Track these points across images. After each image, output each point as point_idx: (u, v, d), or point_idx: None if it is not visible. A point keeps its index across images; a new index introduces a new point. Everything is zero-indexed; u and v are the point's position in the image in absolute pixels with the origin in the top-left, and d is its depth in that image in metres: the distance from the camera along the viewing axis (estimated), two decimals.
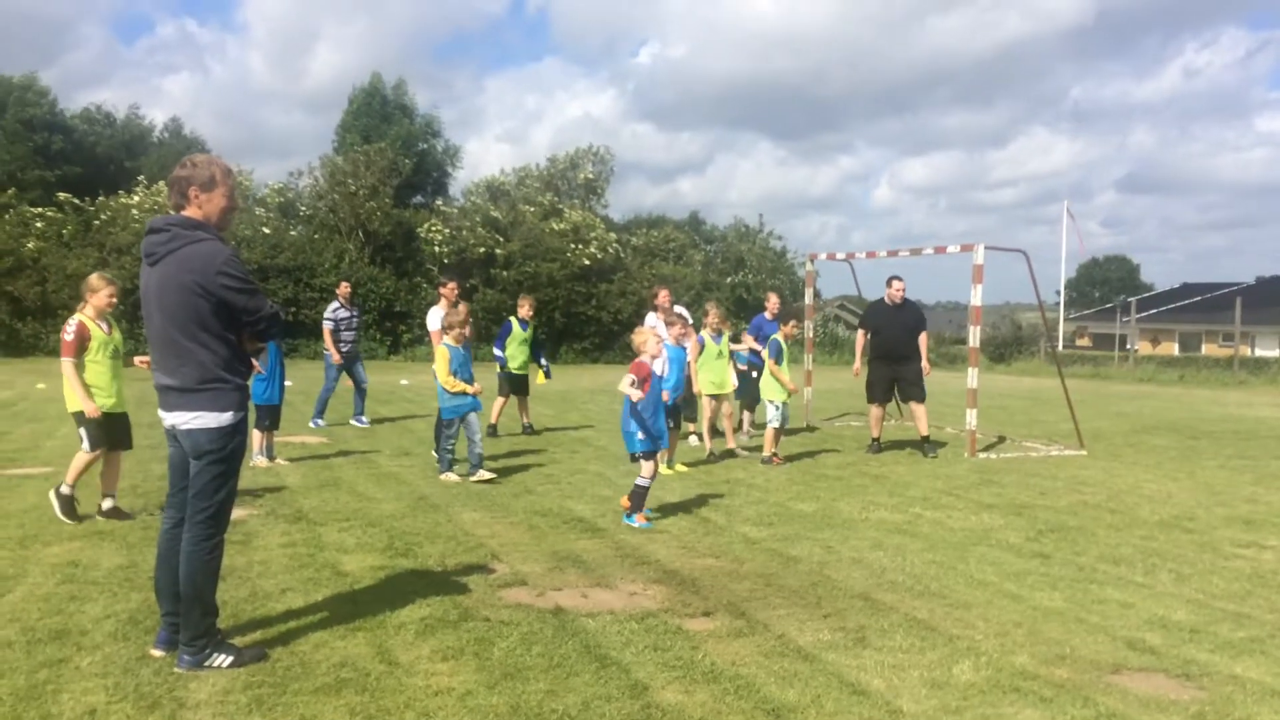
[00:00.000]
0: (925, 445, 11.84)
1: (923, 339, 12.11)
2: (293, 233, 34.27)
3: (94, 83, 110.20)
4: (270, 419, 10.12)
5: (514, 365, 12.81)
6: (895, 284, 12.14)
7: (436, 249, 33.45)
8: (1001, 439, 13.50)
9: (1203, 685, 4.43)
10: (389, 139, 36.63)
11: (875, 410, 12.26)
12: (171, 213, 4.49)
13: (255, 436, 9.87)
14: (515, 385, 12.87)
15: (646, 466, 7.67)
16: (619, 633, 4.94)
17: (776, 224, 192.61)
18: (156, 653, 4.49)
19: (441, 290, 11.26)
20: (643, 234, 40.53)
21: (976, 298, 11.91)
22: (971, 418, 11.89)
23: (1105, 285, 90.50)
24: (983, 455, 11.82)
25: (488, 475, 9.14)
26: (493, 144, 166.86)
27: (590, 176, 39.72)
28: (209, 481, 4.44)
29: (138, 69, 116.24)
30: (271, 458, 10.08)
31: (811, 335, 15.82)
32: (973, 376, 12.08)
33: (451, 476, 9.27)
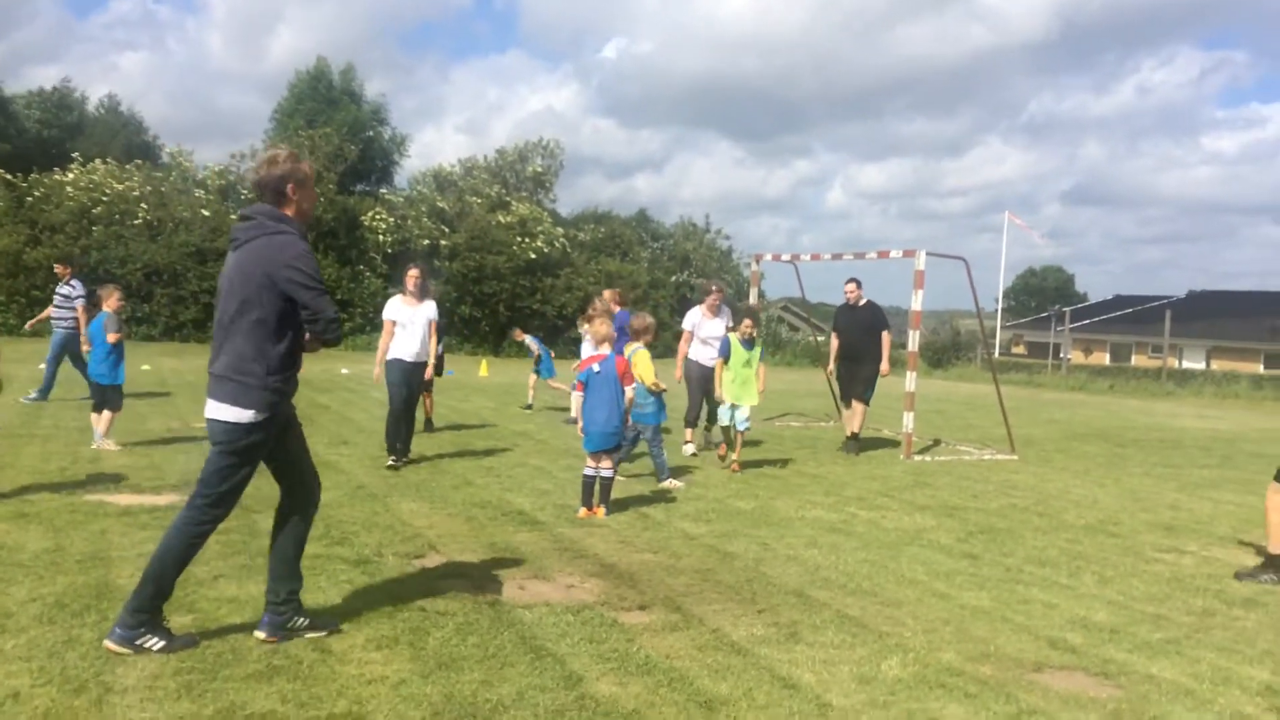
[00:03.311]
0: (849, 442, 12.10)
1: (885, 339, 12.21)
2: (233, 216, 33.66)
3: (45, 59, 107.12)
4: (108, 401, 9.82)
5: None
6: (848, 286, 12.44)
7: (380, 238, 33.12)
8: (937, 442, 13.73)
9: (1120, 684, 4.57)
10: (335, 124, 36.15)
11: (847, 410, 12.46)
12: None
13: (107, 417, 9.75)
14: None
15: (610, 460, 7.84)
16: (555, 624, 4.97)
17: (728, 224, 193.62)
18: (260, 635, 4.51)
19: (405, 279, 10.32)
20: (590, 230, 40.50)
21: (917, 303, 12.10)
22: (909, 421, 12.09)
23: (1041, 295, 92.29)
24: (918, 458, 12.02)
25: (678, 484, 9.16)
26: (451, 134, 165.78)
27: (539, 170, 39.56)
28: (216, 470, 4.46)
29: (92, 44, 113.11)
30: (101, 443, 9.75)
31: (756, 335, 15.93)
32: (911, 380, 12.28)
33: (677, 484, 9.10)
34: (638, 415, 9.13)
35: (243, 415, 4.35)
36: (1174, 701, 4.37)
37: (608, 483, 7.84)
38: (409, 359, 9.60)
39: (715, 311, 11.54)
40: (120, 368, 10.01)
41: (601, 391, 7.77)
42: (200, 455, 4.77)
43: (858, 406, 12.13)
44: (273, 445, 4.59)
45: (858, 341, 12.20)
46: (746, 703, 4.11)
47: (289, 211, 4.46)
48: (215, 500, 4.48)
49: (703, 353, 11.29)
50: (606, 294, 12.62)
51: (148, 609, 4.33)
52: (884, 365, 12.14)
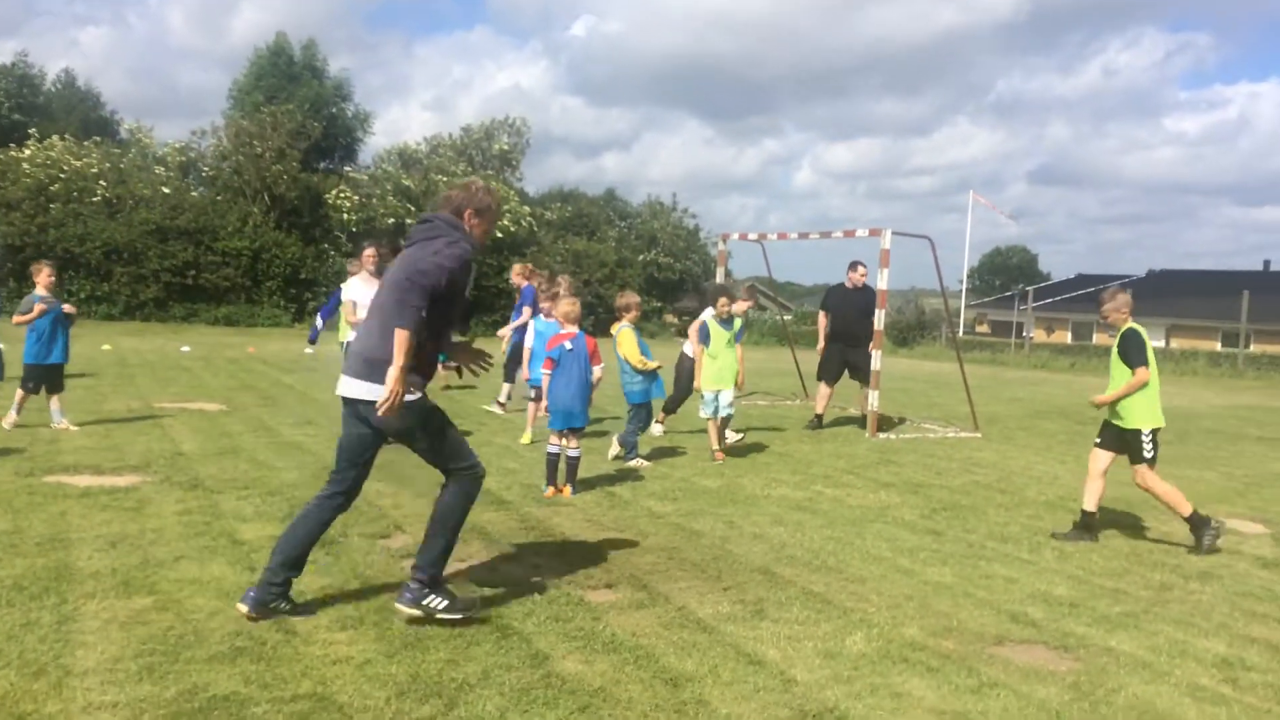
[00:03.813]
0: (815, 420, 12.29)
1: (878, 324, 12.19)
2: (194, 194, 33.25)
3: (3, 33, 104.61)
4: (44, 381, 9.57)
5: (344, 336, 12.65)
6: (859, 269, 12.43)
7: (345, 216, 32.82)
8: (901, 420, 13.84)
9: (1079, 657, 4.64)
10: (297, 101, 35.66)
11: (824, 389, 12.52)
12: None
13: (18, 396, 9.51)
14: None
15: (575, 439, 7.84)
16: (521, 603, 4.97)
17: (696, 203, 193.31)
18: (242, 608, 4.50)
19: (363, 257, 10.00)
20: (557, 209, 40.34)
21: (883, 281, 12.15)
22: (874, 399, 12.17)
23: (1005, 274, 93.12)
24: (883, 435, 12.11)
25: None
26: (418, 112, 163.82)
27: (505, 148, 39.33)
28: (424, 444, 4.68)
29: (51, 18, 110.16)
30: (37, 420, 9.59)
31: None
32: (876, 359, 12.34)
33: (645, 463, 9.16)
34: (628, 393, 9.21)
35: (407, 397, 4.44)
36: (1132, 674, 4.44)
37: (574, 462, 7.83)
38: None
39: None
40: (58, 347, 9.65)
41: (571, 369, 7.75)
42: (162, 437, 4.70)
43: (865, 393, 12.17)
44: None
45: (855, 323, 12.25)
46: (712, 679, 4.13)
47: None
48: (453, 456, 4.78)
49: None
50: (516, 268, 12.70)
51: (438, 568, 4.67)
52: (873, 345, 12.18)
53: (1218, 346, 44.81)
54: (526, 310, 11.92)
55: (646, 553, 6.11)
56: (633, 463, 9.08)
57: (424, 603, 4.54)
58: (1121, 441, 6.92)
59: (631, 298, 9.46)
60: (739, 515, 7.29)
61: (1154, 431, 6.83)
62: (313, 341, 14.62)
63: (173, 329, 28.30)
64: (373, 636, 4.41)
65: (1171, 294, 55.74)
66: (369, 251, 9.75)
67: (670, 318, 39.00)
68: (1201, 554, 6.65)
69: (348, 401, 4.62)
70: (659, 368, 9.28)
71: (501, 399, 12.48)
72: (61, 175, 30.77)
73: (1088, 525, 6.98)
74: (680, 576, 5.62)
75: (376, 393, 4.40)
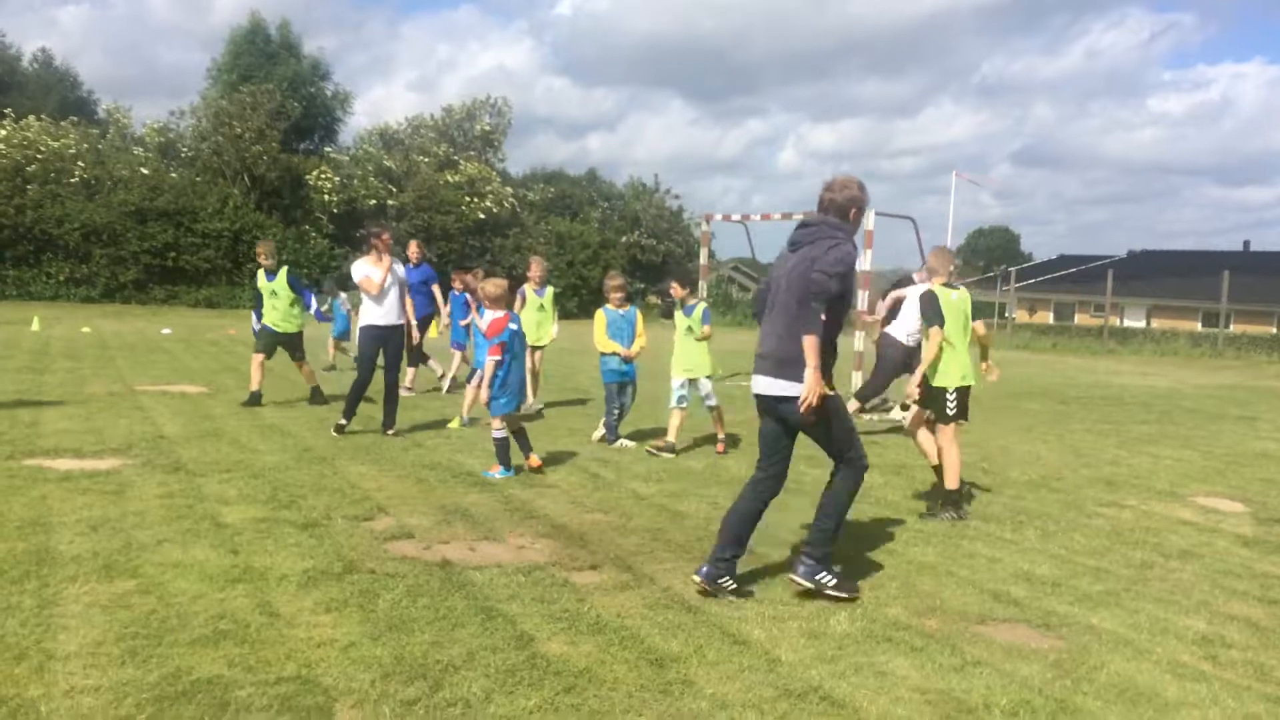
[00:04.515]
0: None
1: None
2: (173, 174, 32.95)
3: None
4: None
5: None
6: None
7: (326, 197, 32.60)
8: (884, 401, 13.86)
9: (1061, 635, 4.67)
10: (275, 80, 35.34)
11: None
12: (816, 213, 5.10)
13: None
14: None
15: (499, 420, 7.70)
16: (506, 585, 4.96)
17: (681, 185, 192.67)
18: (696, 579, 4.97)
19: (375, 241, 9.41)
20: (540, 189, 40.19)
21: (866, 263, 12.17)
22: (857, 380, 12.19)
23: (988, 254, 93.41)
24: (867, 417, 12.13)
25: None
26: (402, 92, 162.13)
27: (487, 128, 39.11)
28: (825, 433, 5.00)
29: None
30: None
31: (705, 295, 15.99)
32: (859, 340, 12.37)
33: (629, 444, 9.19)
34: (608, 375, 9.23)
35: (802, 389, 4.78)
36: (1114, 652, 4.48)
37: (504, 442, 7.71)
38: (385, 324, 9.20)
39: None
40: None
41: (520, 351, 7.78)
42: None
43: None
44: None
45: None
46: (697, 660, 4.14)
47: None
48: (845, 446, 5.10)
49: None
50: (412, 244, 13.11)
51: (828, 548, 5.04)
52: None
53: (1198, 327, 45.15)
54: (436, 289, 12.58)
55: (631, 534, 6.11)
56: (615, 445, 9.08)
57: (817, 577, 4.95)
58: (930, 397, 7.11)
59: (611, 280, 9.47)
60: (724, 496, 7.28)
61: (957, 391, 7.02)
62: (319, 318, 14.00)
63: (153, 311, 28.09)
64: (357, 619, 4.40)
65: (1153, 274, 56.06)
66: (387, 234, 9.41)
67: (653, 299, 38.98)
68: (927, 518, 6.88)
69: (762, 398, 5.11)
70: (617, 353, 9.15)
71: (408, 383, 12.38)
72: (39, 156, 30.44)
73: (952, 501, 7.09)
74: (665, 557, 5.63)
75: (791, 389, 4.85)
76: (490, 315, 7.75)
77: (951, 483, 6.96)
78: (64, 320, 22.64)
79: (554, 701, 3.69)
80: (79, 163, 31.02)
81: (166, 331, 21.04)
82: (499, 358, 7.58)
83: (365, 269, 9.16)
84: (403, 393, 12.00)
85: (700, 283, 14.99)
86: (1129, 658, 4.42)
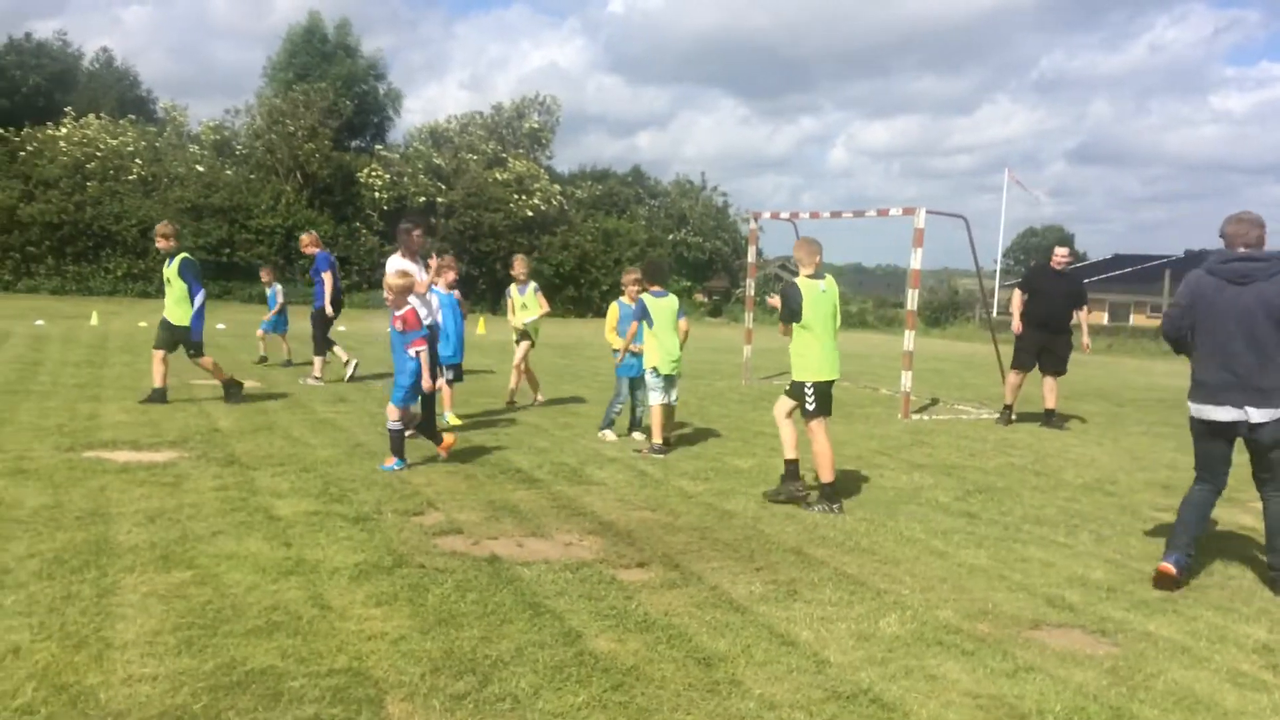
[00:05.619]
0: (1050, 418, 11.59)
1: (1084, 313, 11.82)
2: (228, 172, 33.46)
3: (48, 12, 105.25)
4: None
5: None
6: (1059, 251, 11.77)
7: (377, 194, 32.92)
8: (934, 401, 13.74)
9: (1117, 641, 4.59)
10: (330, 79, 35.77)
11: (1013, 377, 11.70)
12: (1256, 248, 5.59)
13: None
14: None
15: (394, 411, 7.59)
16: (553, 582, 4.98)
17: (730, 182, 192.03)
18: (1166, 565, 5.49)
19: (407, 238, 9.29)
20: (588, 187, 40.25)
21: (916, 261, 12.04)
22: (906, 380, 12.08)
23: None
24: (916, 417, 12.03)
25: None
26: (454, 90, 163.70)
27: (536, 126, 39.24)
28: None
29: None
30: None
31: (751, 294, 15.93)
32: (909, 339, 12.26)
33: (610, 437, 9.31)
34: (621, 368, 9.32)
35: None
36: (1171, 659, 4.39)
37: (399, 434, 7.62)
38: (429, 323, 9.10)
39: None
40: None
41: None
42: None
43: (1050, 382, 11.58)
44: None
45: (1059, 311, 11.49)
46: (745, 659, 4.12)
47: None
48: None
49: None
50: (304, 237, 13.33)
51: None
52: (1085, 340, 11.86)
53: None
54: (326, 277, 12.52)
55: (679, 532, 6.10)
56: (599, 434, 9.35)
57: None
58: (794, 390, 7.15)
59: (627, 275, 9.59)
60: None
61: (815, 385, 7.03)
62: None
63: (208, 306, 28.50)
64: (407, 613, 4.43)
65: None
66: (419, 230, 9.37)
67: (699, 297, 38.88)
68: (768, 499, 6.99)
69: (1261, 426, 5.49)
70: (621, 349, 9.22)
71: (317, 373, 12.47)
72: (98, 154, 31.07)
73: (790, 473, 7.14)
74: (713, 556, 5.61)
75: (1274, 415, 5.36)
76: (403, 309, 7.60)
77: (826, 475, 6.97)
78: (122, 315, 23.09)
79: (601, 699, 3.69)
80: (136, 160, 31.61)
81: (221, 327, 21.37)
82: (424, 348, 7.65)
83: (399, 263, 8.98)
84: (311, 383, 12.07)
85: (748, 280, 14.91)
86: (1187, 665, 4.33)
